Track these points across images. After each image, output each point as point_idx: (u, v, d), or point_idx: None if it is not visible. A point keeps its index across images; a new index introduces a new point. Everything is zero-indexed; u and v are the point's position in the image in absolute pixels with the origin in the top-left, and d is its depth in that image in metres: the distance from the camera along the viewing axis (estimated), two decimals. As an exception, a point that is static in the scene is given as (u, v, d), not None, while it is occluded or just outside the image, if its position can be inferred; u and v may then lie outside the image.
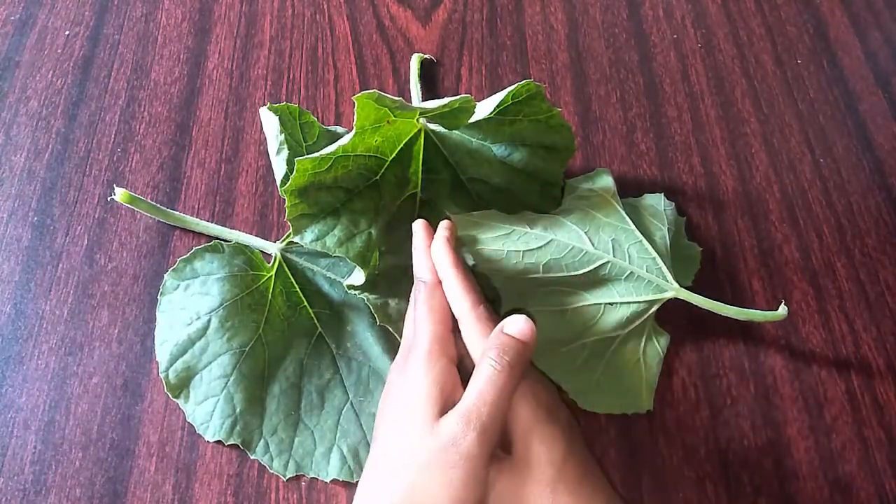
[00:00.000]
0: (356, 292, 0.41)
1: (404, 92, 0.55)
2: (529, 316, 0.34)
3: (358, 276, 0.41)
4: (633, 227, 0.41)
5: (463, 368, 0.35)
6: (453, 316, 0.36)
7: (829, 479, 0.42)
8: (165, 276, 0.43)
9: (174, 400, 0.41)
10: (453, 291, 0.35)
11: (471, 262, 0.41)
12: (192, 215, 0.48)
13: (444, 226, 0.39)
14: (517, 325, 0.33)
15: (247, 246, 0.45)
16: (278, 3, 0.59)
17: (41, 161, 0.51)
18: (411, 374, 0.33)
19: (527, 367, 0.34)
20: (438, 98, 0.42)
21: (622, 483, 0.41)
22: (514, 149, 0.44)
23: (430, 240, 0.38)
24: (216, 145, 0.52)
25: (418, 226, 0.39)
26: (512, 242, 0.39)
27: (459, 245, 0.40)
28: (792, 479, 0.42)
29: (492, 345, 0.33)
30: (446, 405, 0.32)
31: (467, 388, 0.32)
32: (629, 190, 0.50)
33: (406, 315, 0.38)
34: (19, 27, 0.57)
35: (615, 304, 0.40)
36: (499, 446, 0.32)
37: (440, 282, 0.36)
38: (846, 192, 0.52)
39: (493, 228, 0.40)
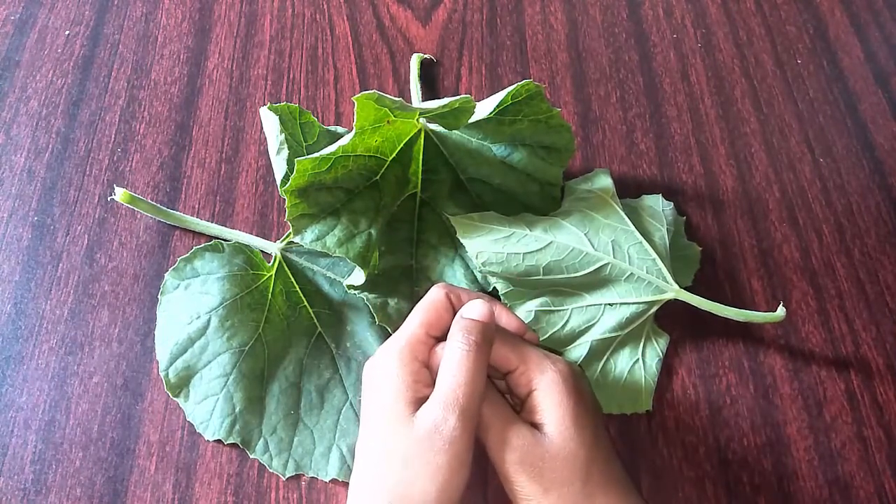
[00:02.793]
0: (356, 292, 0.41)
1: (404, 92, 0.55)
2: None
3: (358, 276, 0.41)
4: (632, 227, 0.41)
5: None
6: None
7: (829, 478, 0.42)
8: (166, 275, 0.44)
9: (174, 399, 0.41)
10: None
11: (474, 261, 0.41)
12: (192, 215, 0.48)
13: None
14: (475, 309, 0.34)
15: (247, 245, 0.46)
16: (278, 3, 0.59)
17: (41, 161, 0.51)
18: (379, 369, 0.34)
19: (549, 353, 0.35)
20: (438, 98, 0.42)
21: (622, 483, 0.41)
22: (513, 149, 0.44)
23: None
24: (216, 145, 0.52)
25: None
26: (512, 245, 0.39)
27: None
28: (791, 479, 0.42)
29: (455, 329, 0.33)
30: (417, 398, 0.32)
31: (439, 375, 0.32)
32: (629, 190, 0.50)
33: None
34: (19, 27, 0.57)
35: (615, 304, 0.40)
36: (531, 423, 0.33)
37: (448, 290, 0.36)
38: (846, 192, 0.52)
39: (493, 231, 0.40)
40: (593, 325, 0.40)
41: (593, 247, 0.40)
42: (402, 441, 0.31)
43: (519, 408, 0.35)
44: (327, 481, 0.40)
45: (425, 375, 0.33)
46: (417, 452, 0.30)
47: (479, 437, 0.33)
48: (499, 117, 0.41)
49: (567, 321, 0.40)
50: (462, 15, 0.59)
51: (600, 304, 0.40)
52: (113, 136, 0.52)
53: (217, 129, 0.52)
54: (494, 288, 0.41)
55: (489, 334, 0.33)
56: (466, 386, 0.31)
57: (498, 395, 0.34)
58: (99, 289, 0.46)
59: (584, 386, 0.35)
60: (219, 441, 0.40)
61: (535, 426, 0.33)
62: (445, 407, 0.31)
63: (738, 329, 0.45)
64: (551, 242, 0.40)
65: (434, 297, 0.36)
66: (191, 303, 0.42)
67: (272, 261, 0.45)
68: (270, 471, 0.40)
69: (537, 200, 0.45)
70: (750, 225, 0.50)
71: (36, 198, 0.49)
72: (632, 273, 0.40)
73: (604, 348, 0.41)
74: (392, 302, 0.41)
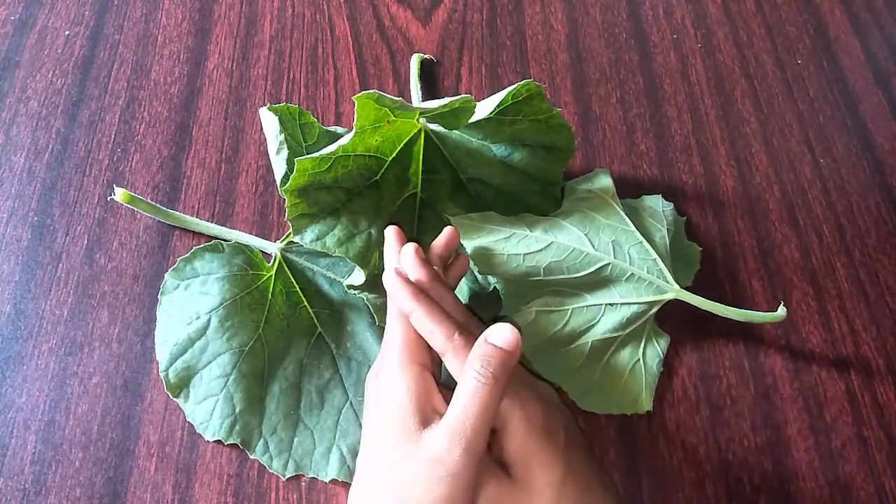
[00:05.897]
0: (356, 292, 0.41)
1: (404, 92, 0.55)
2: (514, 325, 0.32)
3: (358, 276, 0.41)
4: (633, 228, 0.41)
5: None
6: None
7: (829, 478, 0.42)
8: (166, 275, 0.44)
9: (174, 400, 0.41)
10: (423, 327, 0.34)
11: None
12: (192, 215, 0.48)
13: (406, 251, 0.37)
14: (502, 335, 0.32)
15: (247, 245, 0.45)
16: (278, 3, 0.59)
17: (41, 161, 0.51)
18: (386, 383, 0.33)
19: (520, 381, 0.34)
20: (438, 98, 0.42)
21: (622, 483, 0.41)
22: (514, 149, 0.44)
23: (401, 245, 0.38)
24: (216, 145, 0.52)
25: (390, 233, 0.39)
26: (512, 246, 0.39)
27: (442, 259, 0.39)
28: (792, 479, 0.42)
29: (475, 355, 0.32)
30: (425, 414, 0.32)
31: (452, 402, 0.31)
32: (629, 190, 0.50)
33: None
34: (19, 27, 0.57)
35: (615, 304, 0.40)
36: (497, 464, 0.32)
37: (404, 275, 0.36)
38: (846, 192, 0.52)
39: (494, 232, 0.40)
40: (594, 325, 0.40)
41: (594, 247, 0.40)
42: (406, 461, 0.30)
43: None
44: (327, 481, 0.40)
45: (431, 382, 0.33)
46: (419, 478, 0.30)
47: None
48: (499, 117, 0.41)
49: (567, 321, 0.40)
50: (462, 15, 0.59)
51: (601, 305, 0.40)
52: (113, 136, 0.52)
53: (217, 129, 0.52)
54: (494, 288, 0.41)
55: (510, 364, 0.32)
56: (476, 420, 0.30)
57: None
58: (99, 289, 0.46)
59: (550, 417, 0.33)
60: (219, 441, 0.40)
61: (503, 464, 0.32)
62: (451, 438, 0.30)
63: (739, 329, 0.45)
64: (552, 243, 0.40)
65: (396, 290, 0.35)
66: (191, 303, 0.42)
67: (272, 261, 0.45)
68: (270, 471, 0.40)
69: (537, 200, 0.45)
70: (750, 225, 0.50)
71: (36, 198, 0.49)
72: (632, 273, 0.40)
73: (604, 348, 0.41)
74: (392, 302, 0.41)
